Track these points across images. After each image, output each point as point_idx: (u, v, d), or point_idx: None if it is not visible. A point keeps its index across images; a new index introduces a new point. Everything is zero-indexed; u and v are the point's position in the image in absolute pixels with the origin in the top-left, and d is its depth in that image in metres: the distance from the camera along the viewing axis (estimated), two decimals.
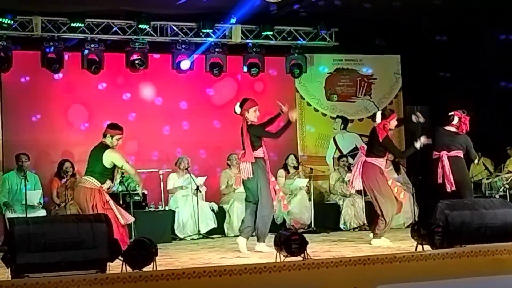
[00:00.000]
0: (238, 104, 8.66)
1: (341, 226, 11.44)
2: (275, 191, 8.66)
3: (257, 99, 8.94)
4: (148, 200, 10.75)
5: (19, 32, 10.63)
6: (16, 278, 5.56)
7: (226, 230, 11.00)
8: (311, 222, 11.17)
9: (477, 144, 9.64)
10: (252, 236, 8.69)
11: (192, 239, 10.57)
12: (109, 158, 8.13)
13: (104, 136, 8.26)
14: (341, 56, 12.72)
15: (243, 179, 8.64)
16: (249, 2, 10.54)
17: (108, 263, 5.87)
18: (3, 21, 10.29)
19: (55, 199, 10.56)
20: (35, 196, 10.02)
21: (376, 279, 6.04)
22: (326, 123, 12.69)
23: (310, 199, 11.31)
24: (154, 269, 5.86)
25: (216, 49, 11.56)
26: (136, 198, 10.29)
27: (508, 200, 10.20)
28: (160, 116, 11.85)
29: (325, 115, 12.69)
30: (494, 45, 12.46)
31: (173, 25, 11.35)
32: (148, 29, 11.11)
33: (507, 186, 11.63)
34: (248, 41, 11.69)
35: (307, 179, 11.42)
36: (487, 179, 12.00)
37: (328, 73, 12.70)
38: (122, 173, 9.02)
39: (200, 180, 10.87)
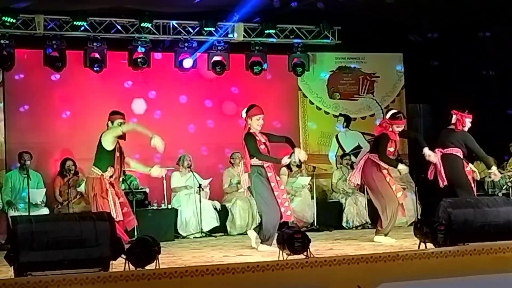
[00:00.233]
0: (244, 109, 8.66)
1: (344, 224, 11.45)
2: (281, 198, 8.58)
3: (259, 98, 8.94)
4: (150, 199, 10.76)
5: (21, 30, 10.64)
6: (19, 277, 5.57)
7: (228, 229, 11.00)
8: (313, 221, 11.17)
9: (479, 142, 9.61)
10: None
11: (195, 237, 10.58)
12: (105, 136, 8.21)
13: (107, 125, 8.33)
14: (344, 54, 12.72)
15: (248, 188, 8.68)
16: (251, 0, 10.54)
17: (111, 261, 5.88)
18: (5, 19, 10.30)
19: (57, 198, 10.56)
20: (38, 194, 10.03)
21: (379, 277, 6.03)
22: (329, 121, 12.69)
23: (312, 198, 11.31)
24: (157, 267, 5.87)
25: (219, 48, 11.56)
26: (139, 196, 10.30)
27: (511, 198, 10.19)
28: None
29: (327, 113, 12.69)
30: (496, 43, 12.44)
31: (175, 23, 11.35)
32: (150, 28, 11.11)
33: (510, 184, 11.61)
34: (250, 39, 11.69)
35: (310, 178, 11.42)
36: (490, 177, 11.97)
37: (330, 71, 12.70)
38: (124, 171, 9.02)
39: (205, 182, 10.88)
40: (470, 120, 9.19)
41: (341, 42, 12.16)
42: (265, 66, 11.89)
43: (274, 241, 8.47)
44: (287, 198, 8.82)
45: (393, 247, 8.28)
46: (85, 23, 10.77)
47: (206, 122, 12.04)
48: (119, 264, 5.95)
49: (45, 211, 9.97)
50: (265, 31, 11.65)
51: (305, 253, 6.35)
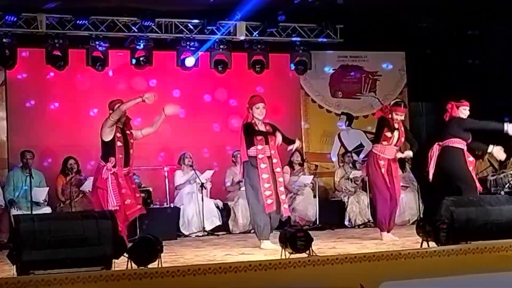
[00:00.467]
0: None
1: (346, 223, 11.44)
2: (271, 190, 8.60)
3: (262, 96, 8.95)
4: (153, 197, 10.76)
5: (23, 29, 10.64)
6: (21, 275, 5.57)
7: (231, 227, 11.00)
8: (316, 219, 11.16)
9: (481, 141, 9.58)
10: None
11: (197, 236, 10.58)
12: (101, 129, 8.37)
13: (109, 115, 8.47)
14: (346, 52, 12.71)
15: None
16: None
17: (114, 260, 5.88)
18: (7, 18, 10.32)
19: (60, 196, 10.57)
20: (40, 193, 10.03)
21: (381, 276, 6.03)
22: (331, 119, 12.68)
23: (315, 196, 11.31)
24: (159, 266, 5.87)
25: (221, 46, 11.56)
26: (142, 195, 10.30)
27: None
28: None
29: (330, 112, 12.69)
30: (498, 41, 12.42)
31: (177, 22, 11.35)
32: (152, 26, 11.11)
33: None
34: (252, 37, 11.69)
35: (312, 176, 11.42)
36: (493, 175, 11.96)
37: (333, 69, 12.70)
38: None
39: (207, 174, 10.87)
40: (467, 108, 9.11)
41: (343, 41, 12.14)
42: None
43: (275, 239, 8.54)
44: (283, 191, 8.80)
45: (395, 246, 8.28)
46: (87, 22, 10.76)
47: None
48: (121, 263, 5.96)
49: (47, 210, 9.97)
50: (267, 30, 11.64)
51: (307, 252, 6.36)
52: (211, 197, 11.13)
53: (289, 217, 11.13)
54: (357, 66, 12.79)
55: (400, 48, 12.81)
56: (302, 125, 12.44)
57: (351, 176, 11.70)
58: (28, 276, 5.50)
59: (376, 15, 11.50)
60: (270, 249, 8.16)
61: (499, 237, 6.80)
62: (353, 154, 12.33)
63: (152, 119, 8.84)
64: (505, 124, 8.87)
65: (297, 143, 8.85)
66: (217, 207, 11.02)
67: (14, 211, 9.66)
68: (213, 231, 10.73)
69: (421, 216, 10.91)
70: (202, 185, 10.73)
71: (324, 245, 8.50)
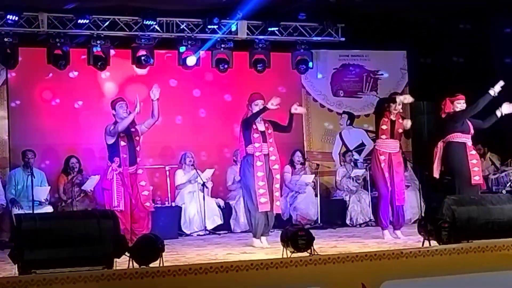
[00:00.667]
0: None
1: (348, 222, 11.44)
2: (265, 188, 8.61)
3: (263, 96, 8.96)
4: (154, 197, 10.76)
5: (25, 28, 10.64)
6: (23, 274, 5.57)
7: (232, 226, 11.00)
8: (317, 218, 11.16)
9: (483, 140, 9.59)
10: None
11: (199, 235, 10.58)
12: (104, 132, 8.53)
13: (113, 114, 8.62)
14: (347, 51, 12.70)
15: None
16: None
17: (115, 259, 5.88)
18: (9, 17, 10.32)
19: (61, 196, 10.57)
20: (42, 192, 10.03)
21: (383, 274, 6.03)
22: (332, 119, 12.68)
23: (316, 195, 11.31)
24: (161, 265, 5.87)
25: (222, 45, 11.55)
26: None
27: None
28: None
29: (331, 111, 12.68)
30: (501, 39, 12.42)
31: (179, 21, 11.34)
32: (154, 25, 11.11)
33: None
34: (254, 37, 11.68)
35: (313, 175, 11.42)
36: (494, 174, 11.98)
37: (334, 68, 12.69)
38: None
39: (208, 173, 10.87)
40: (463, 101, 9.09)
41: (345, 40, 12.13)
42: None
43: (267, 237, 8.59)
44: (278, 189, 8.86)
45: (397, 245, 8.28)
46: (88, 21, 10.76)
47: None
48: (123, 262, 5.96)
49: (49, 209, 9.97)
50: (269, 29, 11.63)
51: (308, 251, 6.35)
52: (212, 196, 11.13)
53: (290, 216, 11.20)
54: (358, 65, 12.78)
55: (402, 47, 12.80)
56: (304, 124, 12.42)
57: (352, 175, 11.69)
58: (29, 275, 5.50)
59: (377, 14, 11.49)
60: (260, 247, 8.22)
61: (500, 236, 6.80)
62: (355, 153, 12.32)
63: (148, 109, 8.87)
64: (490, 91, 8.88)
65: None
66: (219, 206, 11.02)
67: (15, 210, 9.66)
68: (214, 230, 10.74)
69: (423, 215, 10.90)
70: (203, 184, 10.73)
71: (326, 244, 8.51)
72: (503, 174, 11.89)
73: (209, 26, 11.32)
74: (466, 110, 9.02)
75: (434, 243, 6.79)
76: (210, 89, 12.07)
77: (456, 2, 11.03)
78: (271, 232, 9.02)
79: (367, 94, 12.80)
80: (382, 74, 12.82)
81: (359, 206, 11.48)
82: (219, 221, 10.89)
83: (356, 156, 12.28)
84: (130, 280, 5.47)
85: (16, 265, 5.74)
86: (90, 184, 10.07)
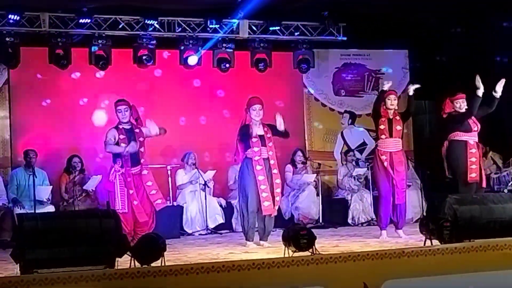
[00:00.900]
0: None
1: (349, 221, 11.43)
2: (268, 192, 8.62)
3: (263, 96, 8.95)
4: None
5: (26, 28, 10.64)
6: (25, 274, 5.58)
7: (234, 226, 10.99)
8: (319, 217, 11.16)
9: (485, 139, 9.57)
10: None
11: (200, 234, 10.58)
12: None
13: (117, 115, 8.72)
14: (349, 51, 12.70)
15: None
16: None
17: (117, 259, 5.89)
18: (10, 17, 10.32)
19: (63, 195, 10.57)
20: (44, 192, 10.04)
21: (385, 274, 6.03)
22: (334, 118, 12.67)
23: (318, 194, 11.30)
24: (163, 264, 5.87)
25: (224, 45, 11.55)
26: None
27: None
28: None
29: (332, 110, 12.68)
30: (503, 37, 12.40)
31: (180, 20, 11.34)
32: (155, 25, 11.11)
33: None
34: (255, 36, 11.68)
35: (315, 174, 11.41)
36: (496, 173, 11.96)
37: (335, 68, 12.69)
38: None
39: (210, 175, 10.88)
40: (463, 99, 9.09)
41: (346, 39, 12.12)
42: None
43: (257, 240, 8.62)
44: (279, 193, 8.89)
45: (398, 244, 8.28)
46: (90, 21, 10.76)
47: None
48: (124, 261, 5.96)
49: (50, 208, 9.97)
50: (270, 28, 11.63)
51: (310, 250, 6.35)
52: (214, 195, 11.13)
53: (292, 215, 11.20)
54: (360, 64, 12.78)
55: (403, 46, 12.79)
56: (305, 124, 12.42)
57: (354, 174, 11.69)
58: (31, 274, 5.51)
59: (379, 13, 11.49)
60: (260, 248, 8.26)
61: (502, 235, 6.81)
62: (356, 152, 12.32)
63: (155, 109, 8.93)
64: (476, 80, 8.96)
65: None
66: (220, 205, 11.02)
67: (17, 210, 9.67)
68: (216, 229, 10.74)
69: (424, 214, 10.89)
70: (205, 184, 10.74)
71: (327, 244, 8.50)
72: (504, 173, 11.87)
73: (210, 26, 11.32)
74: (466, 113, 9.04)
75: (436, 242, 6.79)
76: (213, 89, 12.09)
77: (456, 2, 11.02)
78: (273, 231, 9.01)
79: (368, 93, 12.78)
80: (383, 73, 12.81)
81: (360, 205, 11.47)
82: (220, 220, 10.89)
83: (357, 155, 12.28)
84: (132, 279, 5.47)
85: (18, 264, 5.74)
86: (92, 184, 10.07)
